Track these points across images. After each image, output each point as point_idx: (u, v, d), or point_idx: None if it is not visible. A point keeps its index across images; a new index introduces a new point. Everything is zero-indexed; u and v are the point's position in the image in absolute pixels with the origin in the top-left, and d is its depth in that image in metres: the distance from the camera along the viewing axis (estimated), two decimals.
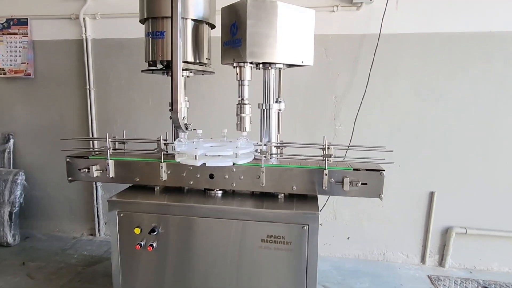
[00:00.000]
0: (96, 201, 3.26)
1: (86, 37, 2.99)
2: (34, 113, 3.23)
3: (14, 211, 3.10)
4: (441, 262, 2.83)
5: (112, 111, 3.13)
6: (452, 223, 2.77)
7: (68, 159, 1.94)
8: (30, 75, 3.10)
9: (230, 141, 1.99)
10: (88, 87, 3.07)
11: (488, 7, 2.47)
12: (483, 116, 2.60)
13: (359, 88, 2.68)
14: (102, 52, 3.05)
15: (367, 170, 1.68)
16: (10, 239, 3.10)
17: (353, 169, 1.69)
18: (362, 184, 1.67)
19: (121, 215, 1.73)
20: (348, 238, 2.96)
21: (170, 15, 1.75)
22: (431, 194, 2.75)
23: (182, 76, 2.07)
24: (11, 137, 3.26)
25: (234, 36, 1.82)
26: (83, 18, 2.96)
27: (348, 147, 1.86)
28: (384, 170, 1.66)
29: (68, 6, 2.98)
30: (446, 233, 2.79)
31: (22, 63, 3.08)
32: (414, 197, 2.79)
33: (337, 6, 2.62)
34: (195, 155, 1.67)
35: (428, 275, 2.72)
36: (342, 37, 2.68)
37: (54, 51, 3.10)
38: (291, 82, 2.79)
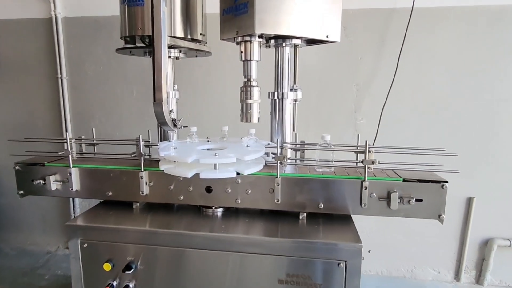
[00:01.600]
0: (73, 209, 2.79)
1: (55, 14, 2.48)
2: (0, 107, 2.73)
3: None
4: (479, 279, 2.41)
5: (89, 104, 2.64)
6: (494, 234, 2.35)
7: (17, 167, 1.47)
8: None
9: (233, 142, 1.53)
10: (59, 75, 2.57)
11: None
12: None
13: (386, 74, 2.21)
14: (76, 33, 2.55)
15: (421, 181, 1.23)
16: None
17: (404, 180, 1.23)
18: (416, 200, 1.22)
19: (85, 245, 1.26)
20: (369, 251, 2.52)
21: None
22: (469, 200, 2.32)
23: (169, 56, 1.61)
24: None
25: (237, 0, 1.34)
26: None
27: (396, 148, 1.36)
28: (447, 182, 1.22)
29: None
30: (485, 245, 2.37)
31: None
32: (448, 203, 2.32)
33: None
34: (186, 162, 1.20)
35: None
36: (366, 12, 2.20)
37: (18, 32, 2.59)
38: (302, 68, 2.30)
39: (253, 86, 1.42)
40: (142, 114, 2.56)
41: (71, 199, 2.77)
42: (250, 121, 1.44)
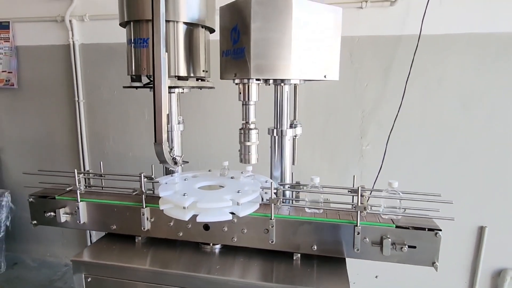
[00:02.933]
0: None
1: (73, 41, 2.62)
2: (20, 127, 2.90)
3: None
4: None
5: (104, 126, 2.76)
6: (507, 264, 2.27)
7: (31, 199, 1.57)
8: (13, 85, 2.75)
9: (231, 177, 1.57)
10: (77, 98, 2.70)
11: None
12: None
13: (392, 101, 2.19)
14: (92, 58, 2.67)
15: (414, 228, 1.23)
16: None
17: (397, 226, 1.23)
18: (409, 247, 1.21)
19: (89, 279, 1.34)
20: (376, 277, 2.49)
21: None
22: (481, 229, 2.25)
23: (174, 92, 1.68)
24: None
25: (236, 44, 1.38)
26: (70, 21, 2.58)
27: (391, 193, 1.36)
28: (440, 230, 1.21)
29: (53, 7, 2.61)
30: (498, 276, 2.29)
31: (3, 71, 2.73)
32: (460, 232, 2.29)
33: (366, 1, 2.13)
34: (183, 206, 1.26)
35: None
36: (372, 39, 2.19)
37: (39, 57, 2.75)
38: (308, 94, 2.33)
39: (251, 129, 1.46)
40: (152, 136, 2.63)
41: None
42: (249, 163, 1.48)
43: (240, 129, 1.48)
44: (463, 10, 2.05)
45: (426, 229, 1.21)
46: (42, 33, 2.69)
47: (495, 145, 2.14)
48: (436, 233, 1.20)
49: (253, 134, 1.47)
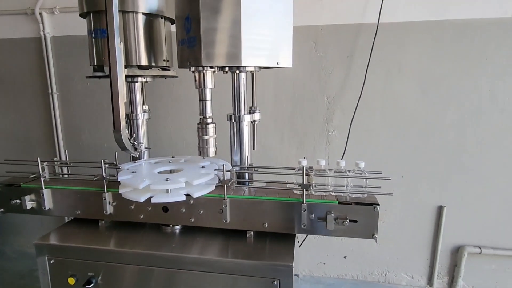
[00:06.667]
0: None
1: (44, 34, 2.63)
2: None
3: None
4: (451, 284, 2.48)
5: (79, 117, 2.79)
6: (464, 241, 2.40)
7: None
8: None
9: (192, 163, 1.64)
10: (50, 91, 2.72)
11: None
12: (503, 119, 2.18)
13: (355, 87, 2.28)
14: (64, 51, 2.69)
15: (357, 203, 1.32)
16: None
17: (339, 203, 1.32)
18: (350, 221, 1.31)
19: (52, 261, 1.41)
20: (345, 257, 2.61)
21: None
22: (440, 209, 2.37)
23: (137, 81, 1.73)
24: None
25: (189, 33, 1.44)
26: (40, 13, 2.59)
27: (337, 172, 1.45)
28: (378, 205, 1.30)
29: (23, 0, 2.61)
30: (457, 252, 2.42)
31: None
32: (420, 211, 2.42)
33: None
34: (139, 188, 1.32)
35: None
36: (335, 28, 2.26)
37: (11, 51, 2.75)
38: (275, 82, 2.41)
39: (209, 123, 1.53)
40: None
41: None
42: (208, 156, 1.55)
43: (198, 124, 1.55)
44: None
45: (366, 204, 1.30)
46: (13, 26, 2.69)
47: (452, 128, 2.25)
48: (374, 208, 1.29)
49: (210, 128, 1.54)
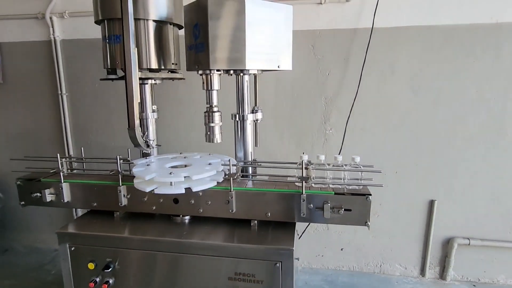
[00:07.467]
0: (75, 212, 3.08)
1: (54, 38, 2.75)
2: (7, 120, 3.03)
3: None
4: (442, 274, 2.62)
5: (87, 117, 2.91)
6: (454, 233, 2.54)
7: (18, 182, 1.74)
8: None
9: (200, 157, 1.77)
10: (60, 92, 2.85)
11: None
12: (489, 118, 2.33)
13: (351, 88, 2.42)
14: (73, 53, 2.82)
15: (351, 194, 1.45)
16: None
17: (335, 193, 1.46)
18: (345, 210, 1.44)
19: (72, 248, 1.53)
20: (342, 249, 2.75)
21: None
22: (431, 203, 2.52)
23: (147, 83, 1.86)
24: None
25: (197, 39, 1.57)
26: (50, 18, 2.71)
27: (334, 166, 1.59)
28: (370, 195, 1.43)
29: (34, 5, 2.73)
30: (447, 244, 2.57)
31: None
32: (412, 205, 2.56)
33: None
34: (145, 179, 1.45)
35: None
36: (332, 32, 2.40)
37: (22, 53, 2.87)
38: (276, 83, 2.54)
39: (215, 112, 1.66)
40: None
41: None
42: (213, 142, 1.69)
43: (204, 112, 1.68)
44: (410, 5, 2.27)
45: (359, 195, 1.43)
46: (24, 30, 2.81)
47: (441, 127, 2.39)
48: (366, 197, 1.42)
49: (216, 116, 1.67)
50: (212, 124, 1.67)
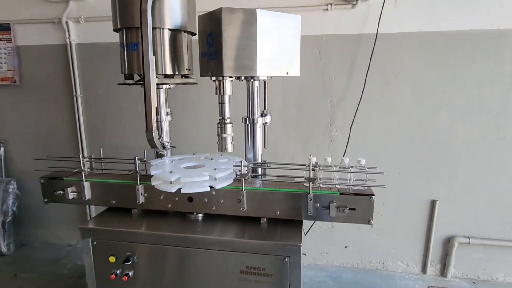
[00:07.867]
0: (89, 210, 3.21)
1: (70, 41, 2.87)
2: (24, 120, 3.15)
3: (7, 220, 3.08)
4: (443, 272, 2.70)
5: (101, 119, 3.03)
6: (455, 232, 2.63)
7: (42, 181, 1.86)
8: (15, 82, 3.01)
9: (211, 159, 1.88)
10: (75, 93, 2.96)
11: (496, 2, 2.25)
12: (489, 121, 2.41)
13: (356, 92, 2.50)
14: (88, 57, 2.93)
15: (355, 194, 1.55)
16: (4, 249, 3.08)
17: (340, 193, 1.55)
18: (350, 209, 1.54)
19: (95, 243, 1.65)
20: (346, 247, 2.84)
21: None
22: (433, 203, 2.60)
23: (162, 87, 1.96)
24: (1, 145, 3.20)
25: (211, 47, 1.67)
26: (66, 22, 2.83)
27: (337, 167, 1.69)
28: (373, 195, 1.53)
29: (51, 10, 2.85)
30: (448, 242, 2.65)
31: (8, 70, 2.99)
32: (414, 205, 2.65)
33: (331, 4, 2.42)
34: (170, 181, 1.56)
35: (429, 286, 2.60)
36: (337, 38, 2.49)
37: (39, 56, 2.99)
38: (283, 87, 2.64)
39: (227, 123, 1.76)
40: (144, 127, 2.92)
41: None
42: (225, 152, 1.79)
43: (217, 124, 1.78)
44: (414, 12, 2.35)
45: (363, 195, 1.53)
46: (41, 34, 2.93)
47: (443, 129, 2.48)
48: (370, 197, 1.52)
49: (228, 127, 1.77)
50: (224, 135, 1.77)
